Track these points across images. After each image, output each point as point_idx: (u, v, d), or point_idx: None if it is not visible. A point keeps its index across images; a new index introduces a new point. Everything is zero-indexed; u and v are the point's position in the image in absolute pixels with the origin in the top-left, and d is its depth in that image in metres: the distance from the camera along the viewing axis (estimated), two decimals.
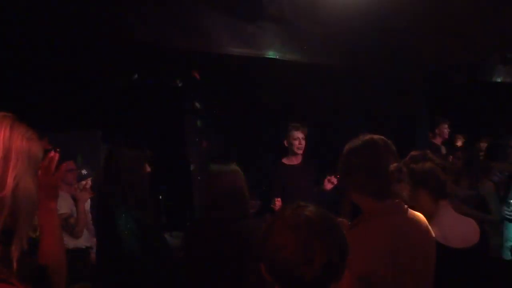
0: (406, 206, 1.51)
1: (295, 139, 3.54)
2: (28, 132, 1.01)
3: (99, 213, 2.29)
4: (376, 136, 1.52)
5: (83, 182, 3.57)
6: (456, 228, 1.78)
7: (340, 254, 1.03)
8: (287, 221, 1.06)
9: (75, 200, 3.36)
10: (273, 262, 1.04)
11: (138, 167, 2.22)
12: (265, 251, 1.06)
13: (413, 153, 1.90)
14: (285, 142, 3.61)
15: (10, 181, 0.93)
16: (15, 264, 0.91)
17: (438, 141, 4.94)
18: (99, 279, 2.26)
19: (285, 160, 3.64)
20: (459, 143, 5.22)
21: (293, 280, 1.01)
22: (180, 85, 5.76)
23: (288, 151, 3.62)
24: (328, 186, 3.44)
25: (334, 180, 3.40)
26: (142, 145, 2.29)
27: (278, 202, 3.28)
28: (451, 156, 4.66)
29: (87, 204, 3.41)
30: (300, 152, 3.57)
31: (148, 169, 2.28)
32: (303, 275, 0.99)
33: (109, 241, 2.19)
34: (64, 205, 3.22)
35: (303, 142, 3.55)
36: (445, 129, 4.92)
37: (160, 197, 5.13)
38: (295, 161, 3.61)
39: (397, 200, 1.48)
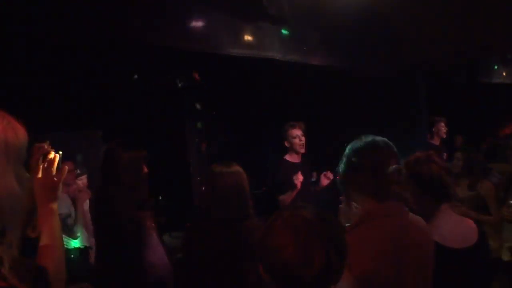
0: (406, 208, 1.52)
1: (294, 137, 3.51)
2: (3, 121, 0.86)
3: (98, 213, 2.28)
4: (378, 138, 1.52)
5: (80, 183, 3.57)
6: (455, 229, 1.78)
7: (339, 255, 1.02)
8: (286, 221, 1.05)
9: (73, 200, 3.36)
10: (272, 262, 1.03)
11: (136, 167, 2.22)
12: (264, 252, 1.05)
13: (417, 154, 1.89)
14: (286, 143, 3.58)
15: None
16: (6, 264, 0.86)
17: (436, 141, 4.90)
18: (99, 279, 2.25)
19: (287, 157, 3.62)
20: (458, 144, 5.20)
21: (292, 281, 1.01)
22: (180, 85, 5.76)
23: (289, 151, 3.60)
24: (325, 181, 3.43)
25: (330, 175, 3.39)
26: (140, 145, 2.28)
27: (300, 177, 3.33)
28: (454, 156, 4.63)
29: (86, 204, 3.40)
30: (303, 149, 3.54)
31: (146, 169, 2.28)
32: (303, 276, 0.99)
33: (108, 241, 2.19)
34: (62, 205, 3.22)
35: (303, 138, 3.52)
36: (442, 127, 4.79)
37: (160, 197, 5.14)
38: (297, 159, 3.60)
39: (397, 202, 1.48)
